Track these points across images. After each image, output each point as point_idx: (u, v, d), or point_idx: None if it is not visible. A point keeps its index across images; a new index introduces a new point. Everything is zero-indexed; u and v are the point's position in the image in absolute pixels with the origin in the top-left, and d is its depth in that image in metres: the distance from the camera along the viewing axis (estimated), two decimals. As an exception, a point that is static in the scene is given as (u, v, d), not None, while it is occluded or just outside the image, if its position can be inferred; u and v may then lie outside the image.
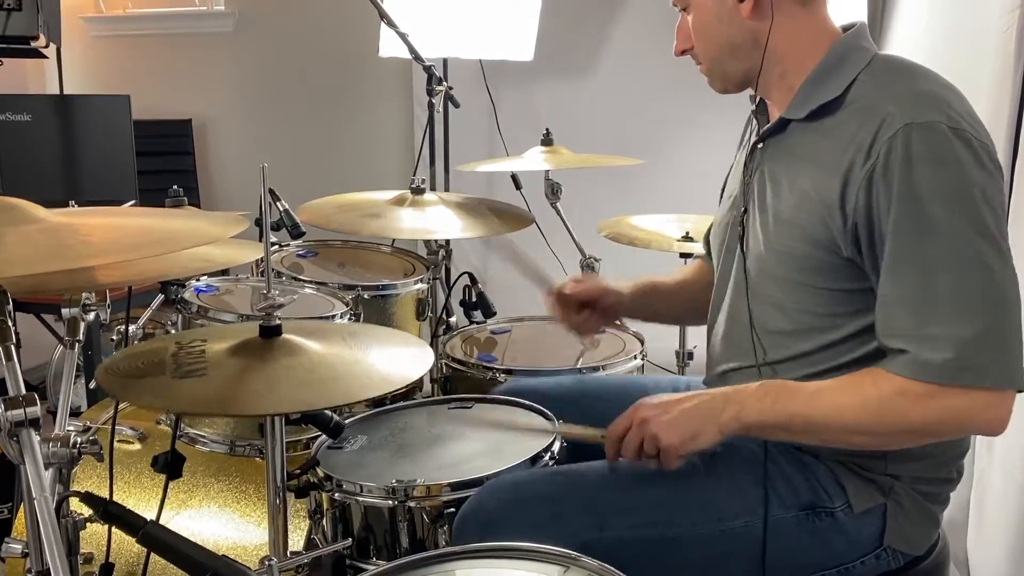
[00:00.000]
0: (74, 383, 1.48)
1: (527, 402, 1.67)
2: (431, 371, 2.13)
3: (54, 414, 1.41)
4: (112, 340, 1.90)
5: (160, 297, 1.96)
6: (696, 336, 2.26)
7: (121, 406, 1.83)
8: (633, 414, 1.38)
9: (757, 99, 1.51)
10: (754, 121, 1.53)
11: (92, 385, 1.44)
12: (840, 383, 1.31)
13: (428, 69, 2.78)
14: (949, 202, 1.22)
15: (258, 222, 1.82)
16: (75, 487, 1.58)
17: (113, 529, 1.41)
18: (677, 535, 1.35)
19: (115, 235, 1.24)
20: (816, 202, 1.32)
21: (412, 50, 2.72)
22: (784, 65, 1.40)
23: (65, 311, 1.51)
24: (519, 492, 1.37)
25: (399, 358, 1.42)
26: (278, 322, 1.35)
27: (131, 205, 2.66)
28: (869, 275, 1.30)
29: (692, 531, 1.36)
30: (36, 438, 1.06)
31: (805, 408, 1.30)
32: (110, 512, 1.20)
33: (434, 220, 2.21)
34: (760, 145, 1.45)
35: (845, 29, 1.41)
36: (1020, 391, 1.24)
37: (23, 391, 1.08)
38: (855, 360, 1.34)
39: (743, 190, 1.48)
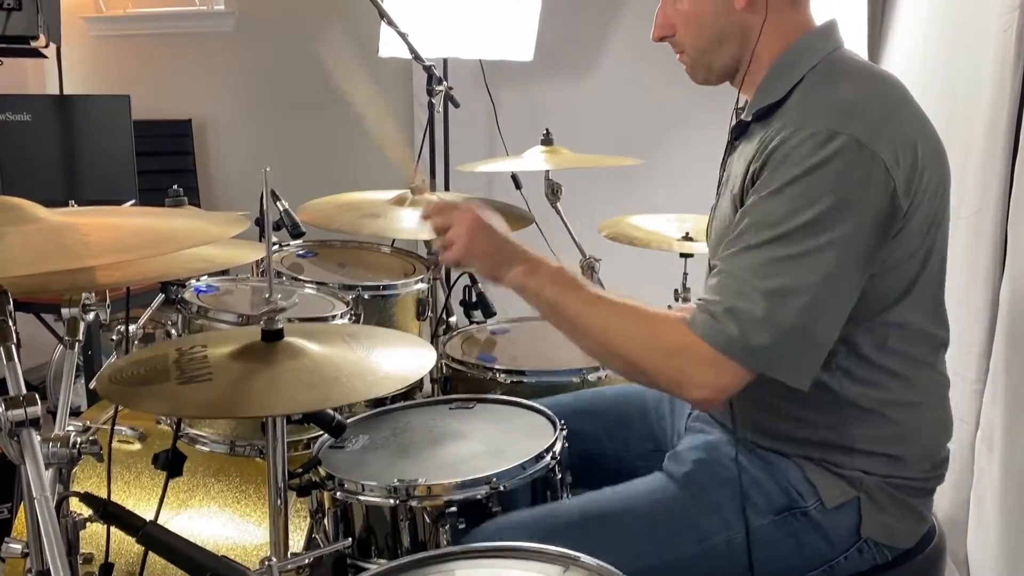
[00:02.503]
0: (74, 383, 1.48)
1: (528, 402, 1.67)
2: (431, 371, 2.13)
3: (54, 414, 1.41)
4: (112, 340, 1.90)
5: (160, 297, 1.96)
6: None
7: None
8: (466, 210, 1.44)
9: (739, 96, 1.51)
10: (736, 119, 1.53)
11: (92, 385, 1.43)
12: (631, 310, 1.31)
13: (428, 69, 2.78)
14: (795, 202, 1.23)
15: (258, 222, 1.82)
16: (75, 487, 1.57)
17: (112, 529, 1.41)
18: (660, 565, 1.34)
19: (115, 235, 1.23)
20: (733, 203, 1.35)
21: (412, 50, 2.71)
22: (761, 61, 1.39)
23: (65, 311, 1.51)
24: (498, 537, 1.32)
25: (402, 357, 1.42)
26: (280, 326, 1.35)
27: (131, 205, 2.66)
28: None
29: (674, 557, 1.35)
30: (36, 438, 1.06)
31: (578, 307, 1.33)
32: (110, 512, 1.20)
33: (434, 220, 2.21)
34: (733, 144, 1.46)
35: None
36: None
37: (23, 391, 1.08)
38: None
39: (717, 189, 1.50)
